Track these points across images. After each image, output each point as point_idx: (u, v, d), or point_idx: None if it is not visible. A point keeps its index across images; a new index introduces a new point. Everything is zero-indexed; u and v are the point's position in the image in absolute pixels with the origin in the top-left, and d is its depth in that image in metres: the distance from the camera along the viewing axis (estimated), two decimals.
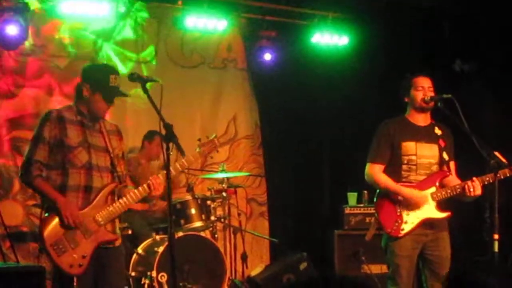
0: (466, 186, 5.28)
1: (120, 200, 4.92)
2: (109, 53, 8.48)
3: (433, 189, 5.45)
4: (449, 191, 5.42)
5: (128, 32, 8.63)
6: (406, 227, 5.40)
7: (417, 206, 5.39)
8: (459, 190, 5.37)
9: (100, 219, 4.84)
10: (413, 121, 5.56)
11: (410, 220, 5.41)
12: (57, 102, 8.08)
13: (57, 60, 8.20)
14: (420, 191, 5.43)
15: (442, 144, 5.52)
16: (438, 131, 5.55)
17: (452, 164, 5.59)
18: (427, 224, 5.42)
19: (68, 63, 8.20)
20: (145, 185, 4.95)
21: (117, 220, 5.03)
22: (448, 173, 5.51)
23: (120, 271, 5.16)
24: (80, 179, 4.84)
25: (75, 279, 4.75)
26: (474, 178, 5.27)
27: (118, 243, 5.01)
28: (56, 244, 4.70)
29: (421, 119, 5.56)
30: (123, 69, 8.35)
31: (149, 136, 8.02)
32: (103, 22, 8.29)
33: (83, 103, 4.94)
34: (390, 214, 5.45)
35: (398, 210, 5.44)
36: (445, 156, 5.51)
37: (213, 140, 5.30)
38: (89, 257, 4.76)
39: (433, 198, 5.43)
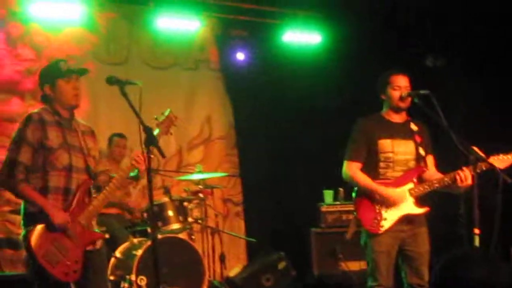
0: (458, 177, 5.29)
1: (99, 197, 4.87)
2: (80, 55, 8.40)
3: (410, 185, 5.47)
4: (426, 186, 5.44)
5: (99, 34, 8.55)
6: (386, 224, 5.41)
7: (395, 204, 5.41)
8: (436, 185, 5.40)
9: (83, 221, 4.79)
10: (389, 118, 5.57)
11: (390, 216, 5.42)
12: (33, 108, 7.99)
13: (29, 63, 8.11)
14: (397, 190, 5.44)
15: (418, 139, 5.54)
16: (413, 127, 5.57)
17: (430, 158, 5.61)
18: (405, 220, 5.44)
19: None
20: (126, 165, 4.93)
21: (95, 222, 4.97)
22: (425, 169, 5.54)
23: (104, 273, 5.20)
24: (60, 181, 4.77)
25: (72, 286, 4.72)
26: (464, 168, 5.27)
27: (99, 245, 4.96)
28: (48, 255, 4.62)
29: (397, 117, 5.57)
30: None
31: (109, 140, 7.96)
32: (74, 24, 8.20)
33: (53, 102, 4.87)
34: (369, 211, 5.45)
35: (377, 207, 5.44)
36: (421, 151, 5.53)
37: (169, 116, 5.12)
38: (80, 261, 4.72)
39: (411, 194, 5.44)
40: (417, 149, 5.53)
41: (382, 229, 5.40)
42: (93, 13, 8.37)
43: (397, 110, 5.53)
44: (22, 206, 4.82)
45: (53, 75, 4.88)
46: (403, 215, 5.42)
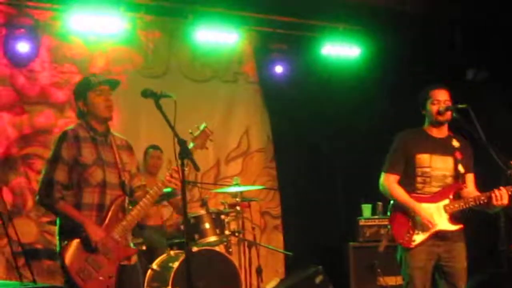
0: (493, 195, 5.22)
1: (132, 212, 4.88)
2: (120, 68, 8.47)
3: (446, 201, 5.41)
4: (462, 203, 5.38)
5: (139, 47, 8.62)
6: (418, 238, 5.37)
7: (424, 220, 5.35)
8: (472, 202, 5.34)
9: (117, 237, 4.80)
10: (430, 133, 5.53)
11: (422, 232, 5.38)
12: (69, 119, 8.10)
13: (68, 76, 8.20)
14: (431, 205, 5.39)
15: (459, 156, 5.48)
16: (455, 143, 5.51)
17: (470, 177, 5.54)
18: (439, 236, 5.38)
19: (80, 79, 8.18)
20: (159, 183, 4.89)
21: (130, 237, 4.99)
22: (462, 186, 5.47)
23: (136, 284, 5.07)
24: (94, 198, 4.80)
25: None
26: (501, 187, 5.21)
27: (134, 260, 4.97)
28: (81, 271, 4.65)
29: (438, 132, 5.53)
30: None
31: (144, 152, 8.04)
32: (115, 38, 8.28)
33: (87, 117, 4.92)
34: (403, 225, 5.43)
35: (411, 221, 5.41)
36: (460, 168, 5.46)
37: (204, 130, 5.06)
38: (114, 276, 4.73)
39: (445, 211, 5.39)
40: (456, 166, 5.47)
41: (414, 244, 5.36)
42: (133, 27, 8.43)
43: (436, 124, 5.49)
44: (57, 222, 4.85)
45: (84, 90, 4.93)
46: (436, 230, 5.37)
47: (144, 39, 8.65)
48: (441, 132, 5.53)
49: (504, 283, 2.98)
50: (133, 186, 5.09)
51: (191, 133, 5.02)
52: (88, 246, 4.67)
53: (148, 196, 4.89)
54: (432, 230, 5.34)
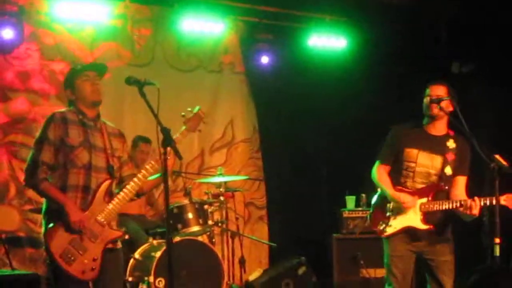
0: (465, 204, 5.23)
1: (119, 195, 4.89)
2: (105, 57, 8.42)
3: (423, 200, 5.43)
4: (436, 205, 5.39)
5: (124, 36, 8.57)
6: (389, 230, 5.47)
7: (404, 211, 5.38)
8: (445, 206, 5.34)
9: (102, 220, 4.80)
10: (426, 129, 5.53)
11: (395, 224, 5.47)
12: (53, 106, 8.04)
13: (53, 64, 8.15)
14: (407, 195, 5.43)
15: (450, 157, 5.45)
16: (451, 143, 5.48)
17: (461, 179, 5.50)
18: (410, 232, 5.44)
19: (64, 67, 8.16)
20: (149, 165, 4.92)
21: (115, 219, 4.97)
22: (442, 187, 5.45)
23: (119, 275, 5.14)
24: (79, 179, 4.81)
25: (90, 284, 4.76)
26: (475, 198, 5.21)
27: (119, 245, 4.98)
28: (65, 254, 4.66)
29: (434, 128, 5.51)
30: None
31: (134, 142, 7.88)
32: (99, 26, 8.23)
33: (77, 103, 4.94)
34: (380, 215, 5.57)
35: (388, 213, 5.51)
36: (447, 170, 5.44)
37: (198, 113, 5.14)
38: (100, 259, 4.75)
39: (420, 209, 5.42)
40: (443, 167, 5.46)
41: (385, 234, 5.48)
42: (119, 14, 8.39)
43: (430, 119, 5.49)
44: (44, 205, 4.87)
45: (71, 78, 4.98)
46: (407, 226, 5.44)
47: (129, 27, 8.60)
48: (437, 130, 5.51)
49: (498, 278, 2.98)
50: (123, 175, 5.11)
51: (183, 115, 5.06)
52: (72, 228, 4.68)
53: (135, 179, 4.91)
54: (405, 225, 5.40)
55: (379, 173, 5.58)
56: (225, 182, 7.78)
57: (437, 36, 8.77)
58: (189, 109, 5.15)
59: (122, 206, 4.89)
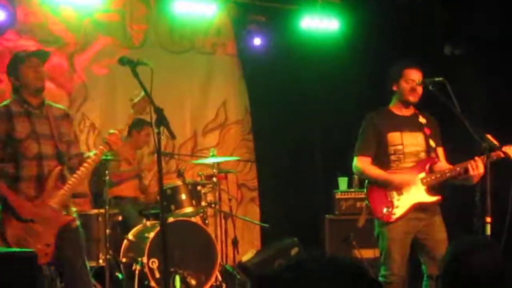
0: (469, 165, 5.26)
1: (70, 181, 4.98)
2: (97, 38, 8.40)
3: (422, 175, 5.46)
4: (438, 175, 5.43)
5: (116, 18, 8.54)
6: (398, 212, 5.41)
7: (408, 189, 5.39)
8: (448, 174, 5.38)
9: (54, 206, 4.92)
10: (397, 112, 5.60)
11: (401, 204, 5.42)
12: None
13: (45, 45, 8.11)
14: (404, 174, 5.43)
15: (427, 132, 5.55)
16: (422, 119, 5.59)
17: (440, 150, 5.61)
18: (420, 208, 5.42)
19: (56, 49, 8.14)
20: (101, 146, 5.05)
21: (71, 204, 5.15)
22: (436, 160, 5.52)
23: (81, 249, 5.18)
24: (32, 170, 4.95)
25: (45, 268, 4.96)
26: (476, 157, 5.25)
27: (74, 225, 5.09)
28: (18, 241, 4.80)
29: (405, 110, 5.60)
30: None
31: (139, 125, 7.73)
32: (91, 7, 8.20)
33: (21, 91, 5.04)
34: (381, 200, 5.47)
35: (389, 195, 5.46)
36: (431, 143, 5.53)
37: (144, 98, 5.11)
38: (53, 244, 4.88)
39: (423, 183, 5.44)
40: (427, 141, 5.54)
41: (394, 217, 5.41)
42: None
43: (406, 103, 5.53)
44: None
45: (15, 64, 5.06)
46: (415, 203, 5.41)
47: (121, 9, 8.56)
48: (408, 110, 5.60)
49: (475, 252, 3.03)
50: (70, 154, 5.20)
51: (131, 99, 5.14)
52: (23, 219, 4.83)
53: (86, 163, 5.01)
54: (413, 202, 5.38)
55: (364, 166, 5.54)
56: (218, 164, 7.79)
57: (431, 16, 8.76)
58: (136, 93, 5.15)
59: (73, 190, 5.01)
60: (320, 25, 9.18)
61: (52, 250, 4.87)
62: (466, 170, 5.29)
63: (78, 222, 5.12)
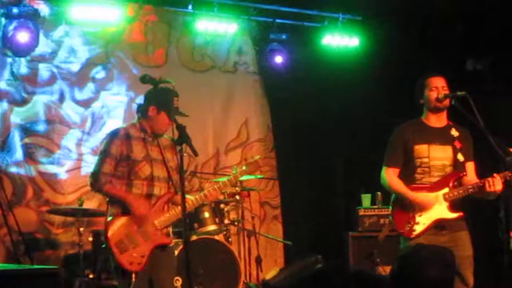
0: (486, 182, 5.24)
1: (176, 208, 5.33)
2: (120, 58, 8.48)
3: (446, 190, 5.42)
4: (461, 191, 5.39)
5: (138, 37, 8.62)
6: (418, 228, 5.39)
7: (427, 208, 5.37)
8: (471, 189, 5.34)
9: (157, 224, 5.26)
10: (428, 123, 5.54)
11: (422, 221, 5.40)
12: (69, 108, 8.12)
13: (68, 65, 8.21)
14: (429, 194, 5.40)
15: (458, 145, 5.48)
16: (454, 132, 5.52)
17: (470, 165, 5.54)
18: (440, 225, 5.39)
19: (80, 68, 8.22)
20: (202, 194, 5.45)
21: (170, 227, 5.47)
22: (462, 174, 5.47)
23: (171, 271, 5.56)
24: (143, 189, 5.29)
25: (133, 275, 5.20)
26: (495, 174, 5.23)
27: (170, 247, 5.51)
28: (119, 243, 5.19)
29: (436, 121, 5.53)
30: (136, 72, 8.38)
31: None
32: (113, 27, 8.27)
33: (147, 121, 5.33)
34: (404, 215, 5.46)
35: (411, 212, 5.44)
36: (459, 157, 5.47)
37: (257, 161, 5.71)
38: (146, 256, 5.22)
39: (445, 199, 5.40)
40: (455, 155, 5.47)
41: (414, 233, 5.38)
42: (133, 16, 8.43)
43: (435, 111, 5.49)
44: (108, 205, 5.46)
45: (165, 104, 5.19)
46: (436, 219, 5.38)
47: (143, 29, 8.64)
48: (439, 121, 5.54)
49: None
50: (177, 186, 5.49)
51: (245, 159, 5.96)
52: (130, 225, 5.22)
53: (196, 199, 5.42)
54: (434, 219, 5.36)
55: (390, 178, 5.53)
56: (241, 182, 7.79)
57: (452, 33, 8.75)
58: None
59: (176, 219, 5.36)
60: (341, 42, 9.20)
61: (145, 261, 5.21)
62: (483, 186, 5.27)
63: (173, 242, 5.51)
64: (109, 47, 8.44)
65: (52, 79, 8.13)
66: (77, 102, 8.21)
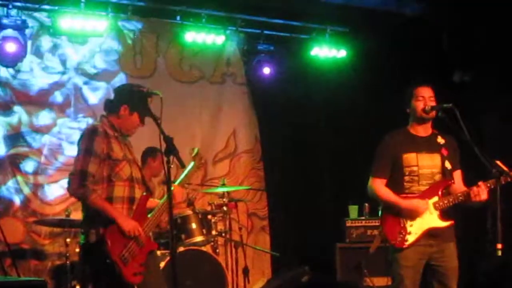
0: (471, 192, 5.27)
1: (156, 213, 5.14)
2: (107, 68, 8.48)
3: (435, 199, 5.42)
4: (451, 199, 5.40)
5: (126, 47, 8.62)
6: (410, 238, 5.38)
7: (419, 215, 5.38)
8: (461, 198, 5.36)
9: (147, 230, 5.05)
10: (414, 132, 5.55)
11: (414, 230, 5.39)
12: (58, 118, 8.11)
13: (57, 76, 8.20)
14: (419, 200, 5.42)
15: (445, 153, 5.50)
16: (440, 140, 5.53)
17: (457, 173, 5.56)
18: (431, 234, 5.40)
19: (67, 79, 8.21)
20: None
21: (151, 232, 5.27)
22: (450, 182, 5.49)
23: (158, 272, 5.38)
24: (124, 191, 4.98)
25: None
26: (480, 183, 5.25)
27: (156, 252, 5.38)
28: (121, 255, 4.86)
29: (422, 130, 5.54)
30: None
31: (153, 152, 7.70)
32: (102, 37, 8.27)
33: (117, 119, 5.06)
34: (394, 226, 5.43)
35: (402, 222, 5.42)
36: (447, 165, 5.48)
37: (198, 153, 5.55)
38: (144, 265, 4.99)
39: (435, 208, 5.40)
40: (443, 163, 5.48)
41: (407, 243, 5.37)
42: (121, 26, 8.45)
43: (421, 121, 5.50)
44: (84, 212, 5.05)
45: (137, 105, 5.01)
46: (428, 228, 5.38)
47: (131, 40, 8.64)
48: (425, 130, 5.55)
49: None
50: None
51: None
52: (122, 234, 4.89)
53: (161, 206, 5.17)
54: (425, 228, 5.37)
55: (378, 187, 5.51)
56: (228, 193, 7.80)
57: (439, 45, 8.80)
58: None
59: (159, 221, 5.26)
60: (329, 54, 9.24)
61: (143, 270, 4.97)
62: (469, 196, 5.30)
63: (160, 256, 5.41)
64: (97, 58, 8.42)
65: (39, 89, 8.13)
66: (64, 113, 8.19)
